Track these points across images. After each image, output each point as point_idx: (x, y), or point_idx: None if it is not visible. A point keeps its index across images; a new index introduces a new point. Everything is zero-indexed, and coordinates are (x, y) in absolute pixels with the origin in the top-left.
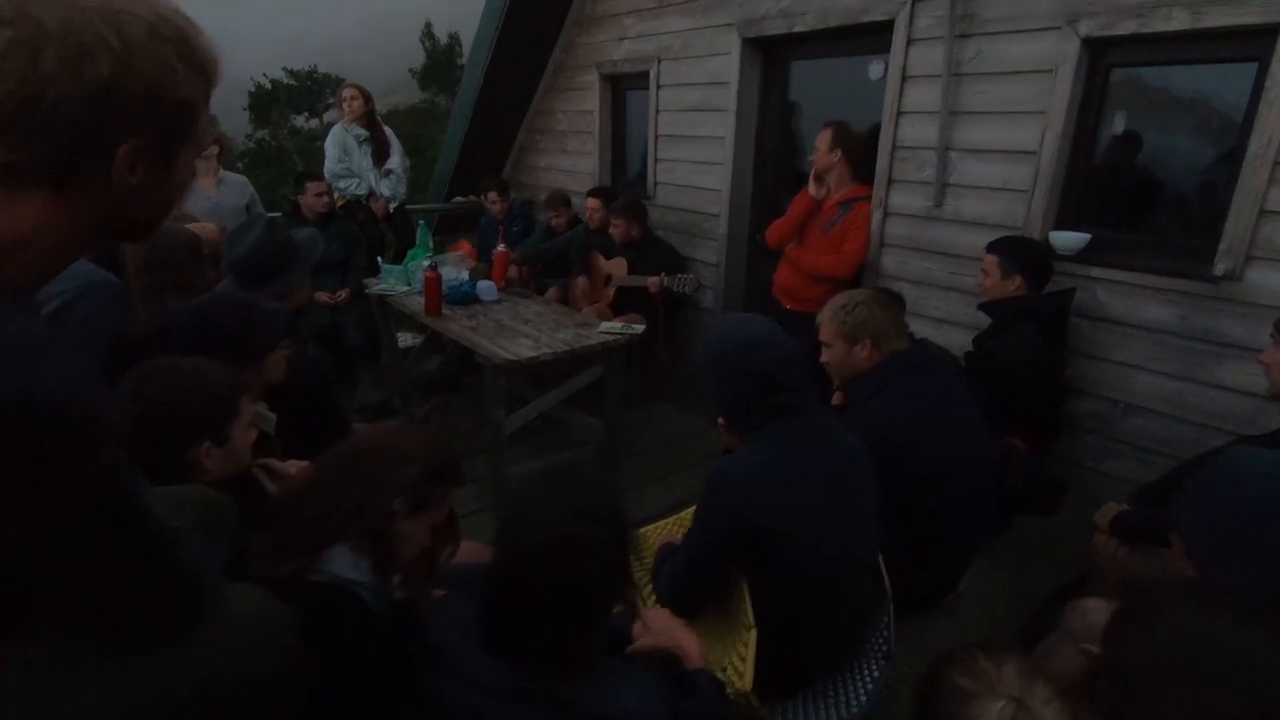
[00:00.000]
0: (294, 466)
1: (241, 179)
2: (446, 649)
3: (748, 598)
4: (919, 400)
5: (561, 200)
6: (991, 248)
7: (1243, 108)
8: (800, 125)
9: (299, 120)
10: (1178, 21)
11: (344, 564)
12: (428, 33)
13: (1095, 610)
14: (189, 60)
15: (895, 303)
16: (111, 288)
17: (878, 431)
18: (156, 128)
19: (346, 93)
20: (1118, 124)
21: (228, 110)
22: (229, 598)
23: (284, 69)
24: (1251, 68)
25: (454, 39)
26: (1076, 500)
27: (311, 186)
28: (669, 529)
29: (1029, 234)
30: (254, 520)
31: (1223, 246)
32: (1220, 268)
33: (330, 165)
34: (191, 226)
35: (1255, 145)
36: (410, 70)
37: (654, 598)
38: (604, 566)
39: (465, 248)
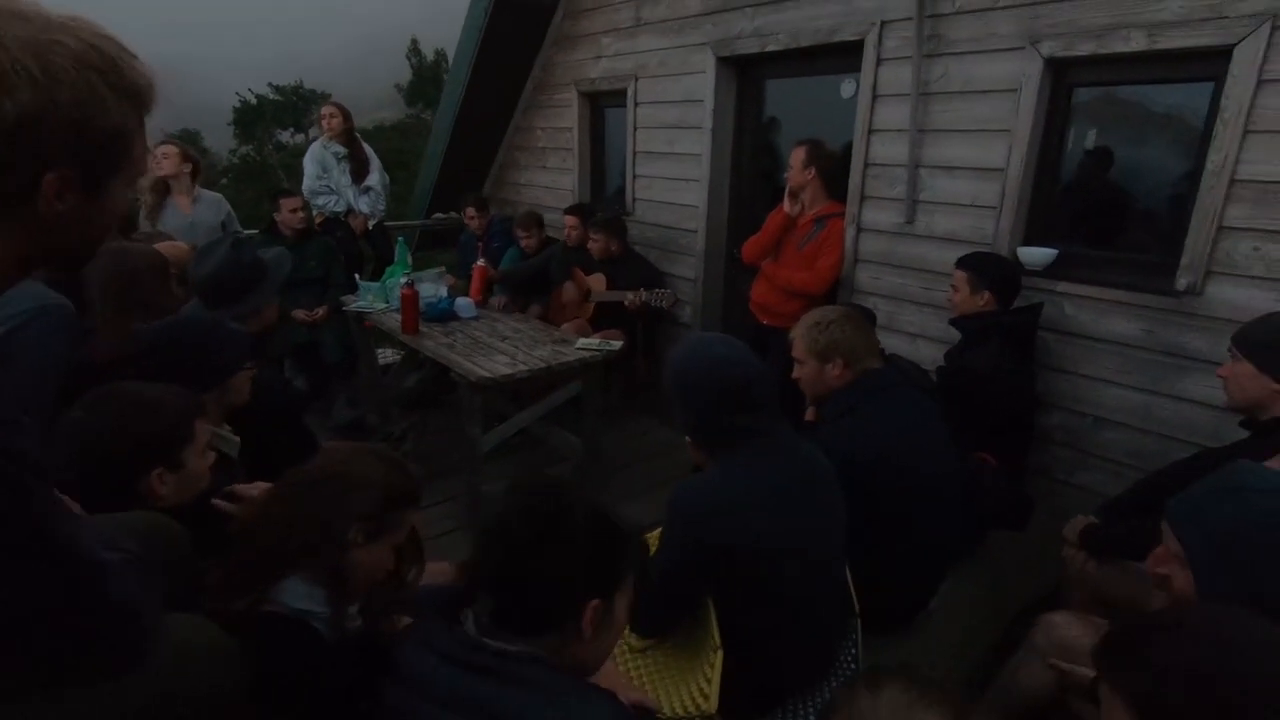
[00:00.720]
0: (257, 489)
1: (217, 196)
2: (417, 669)
3: (714, 618)
4: (890, 419)
5: (534, 221)
6: (961, 263)
7: (1200, 127)
8: (775, 142)
9: (284, 136)
10: (1135, 43)
11: (297, 595)
12: (414, 49)
13: (1061, 625)
14: (119, 87)
15: (867, 319)
16: (63, 312)
17: (849, 449)
18: (84, 157)
19: (326, 110)
20: (1085, 141)
21: (212, 127)
22: (169, 631)
23: (269, 84)
24: (1208, 87)
25: (440, 55)
26: (1048, 513)
27: (286, 203)
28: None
29: (998, 249)
30: (212, 547)
31: (1184, 262)
32: (1182, 283)
33: (309, 182)
34: (160, 245)
35: (1212, 163)
36: (397, 86)
37: None
38: (589, 548)
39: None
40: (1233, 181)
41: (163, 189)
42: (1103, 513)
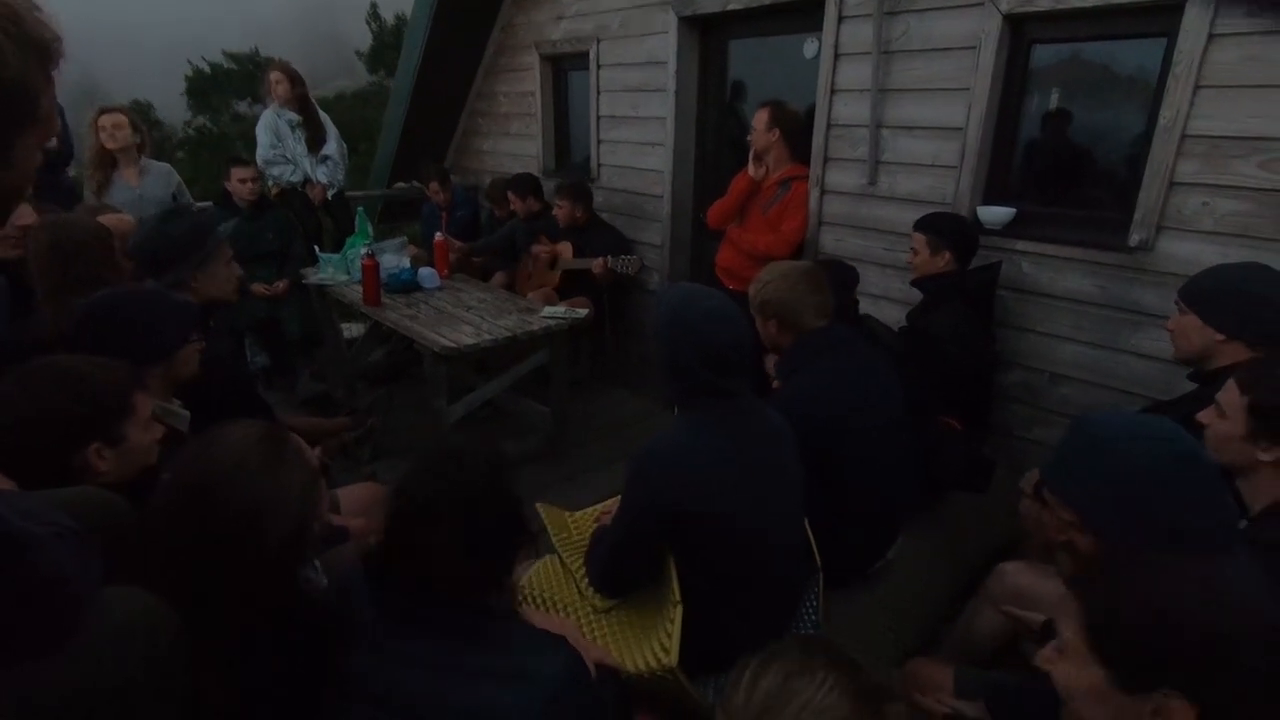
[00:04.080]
0: None
1: (166, 167)
2: (366, 625)
3: (675, 574)
4: (836, 377)
5: (501, 193)
6: (919, 225)
7: (1154, 84)
8: (740, 105)
9: (241, 106)
10: None
11: None
12: (373, 14)
13: (1014, 574)
14: (21, 39)
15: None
16: None
17: (802, 407)
18: None
19: (272, 75)
20: (1043, 100)
21: (166, 96)
22: (105, 605)
23: (223, 52)
24: (1161, 43)
25: (400, 20)
26: (1006, 467)
27: (236, 172)
28: (602, 512)
29: (958, 210)
30: None
31: (1136, 218)
32: (1134, 239)
33: (262, 152)
34: (105, 218)
35: (1164, 119)
36: (357, 53)
37: (586, 580)
38: (496, 513)
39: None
40: (1183, 137)
41: (109, 163)
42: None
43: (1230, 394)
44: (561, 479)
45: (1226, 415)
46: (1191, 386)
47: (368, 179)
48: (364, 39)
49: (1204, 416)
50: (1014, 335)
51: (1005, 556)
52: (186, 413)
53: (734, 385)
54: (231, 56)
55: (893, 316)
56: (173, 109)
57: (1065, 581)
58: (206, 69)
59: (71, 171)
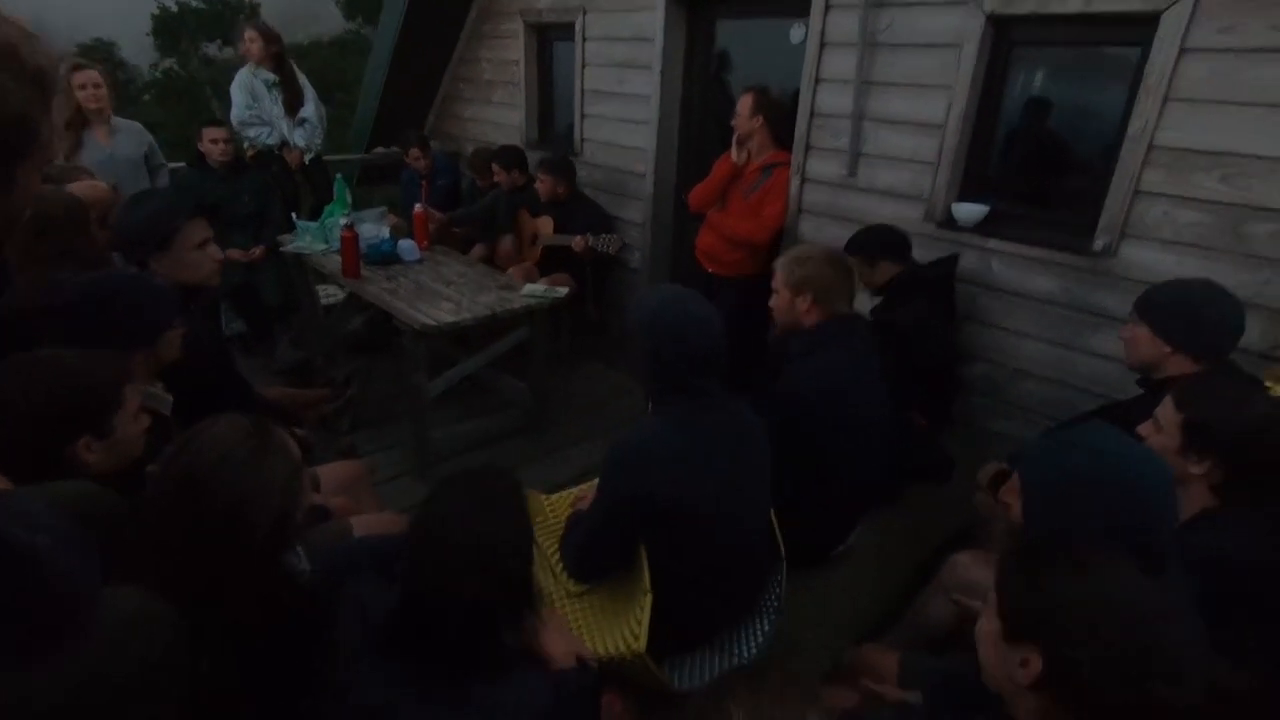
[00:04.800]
0: None
1: (138, 126)
2: (353, 644)
3: (646, 563)
4: (846, 364)
5: (484, 164)
6: (848, 248)
7: (1127, 93)
8: (726, 85)
9: (211, 49)
10: (1072, 4)
11: None
12: None
13: (966, 566)
14: (20, 74)
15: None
16: None
17: (807, 388)
18: None
19: (246, 34)
20: (1021, 100)
21: (131, 37)
22: (104, 606)
23: None
24: (1136, 53)
25: None
26: (967, 457)
27: (208, 133)
28: (577, 494)
29: (934, 204)
30: None
31: (1102, 223)
32: (1099, 243)
33: (237, 112)
34: (75, 186)
35: (1133, 128)
36: None
37: (561, 565)
38: (511, 577)
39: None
40: (1150, 147)
41: (79, 123)
42: (1012, 460)
43: (1167, 410)
44: (540, 454)
45: (1163, 429)
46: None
47: (345, 133)
48: None
49: (1143, 429)
50: (980, 330)
51: (961, 543)
52: (169, 396)
53: (708, 383)
54: None
55: (866, 308)
56: (137, 49)
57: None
58: (174, 8)
59: None
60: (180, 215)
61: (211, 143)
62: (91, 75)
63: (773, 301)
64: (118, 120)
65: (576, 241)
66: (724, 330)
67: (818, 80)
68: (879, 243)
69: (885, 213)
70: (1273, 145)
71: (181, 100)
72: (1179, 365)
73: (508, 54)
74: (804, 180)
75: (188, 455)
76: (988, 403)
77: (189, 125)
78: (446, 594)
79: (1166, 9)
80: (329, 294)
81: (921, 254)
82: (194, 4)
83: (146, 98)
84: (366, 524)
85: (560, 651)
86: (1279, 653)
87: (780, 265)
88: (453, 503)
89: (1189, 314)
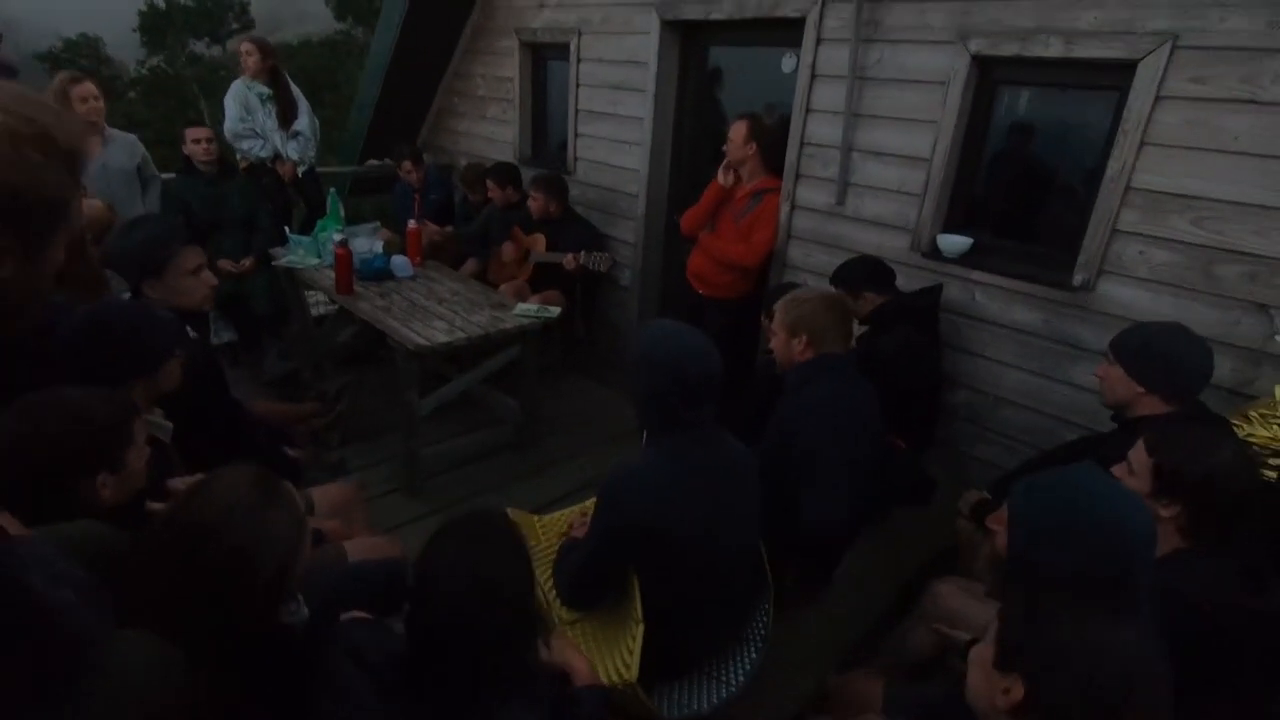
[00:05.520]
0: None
1: (130, 138)
2: (347, 678)
3: (638, 593)
4: (839, 398)
5: (476, 178)
6: (833, 280)
7: (1105, 135)
8: (718, 109)
9: (198, 46)
10: (1054, 49)
11: None
12: None
13: (946, 596)
14: (55, 156)
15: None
16: None
17: (801, 421)
18: (24, 229)
19: (243, 48)
20: (1008, 138)
21: (117, 33)
22: (113, 652)
23: None
24: (1114, 97)
25: None
26: (950, 481)
27: (190, 133)
28: (568, 519)
29: (919, 235)
30: None
31: (1081, 259)
32: (1078, 279)
33: (231, 125)
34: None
35: (1111, 170)
36: None
37: (554, 591)
38: (516, 610)
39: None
40: (1128, 188)
41: None
42: (994, 488)
43: (1139, 453)
44: (530, 471)
45: (1135, 472)
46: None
47: (333, 135)
48: None
49: (1117, 471)
50: (964, 358)
51: (941, 567)
52: (169, 424)
53: (702, 416)
54: None
55: (856, 332)
56: (123, 46)
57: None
58: (162, 4)
59: None
60: (174, 243)
61: (194, 143)
62: (90, 88)
63: (771, 340)
64: (111, 131)
65: (568, 259)
66: (720, 364)
67: (808, 110)
68: (862, 275)
69: (872, 241)
70: (1241, 191)
71: (168, 97)
72: (1151, 405)
73: (502, 71)
74: (794, 207)
75: (197, 501)
76: (970, 428)
77: (175, 123)
78: (455, 627)
79: (1143, 58)
80: (318, 301)
81: (907, 283)
82: (182, 1)
83: (132, 95)
84: (359, 548)
85: (582, 667)
86: (1241, 694)
87: (779, 307)
88: (455, 541)
89: (1161, 357)
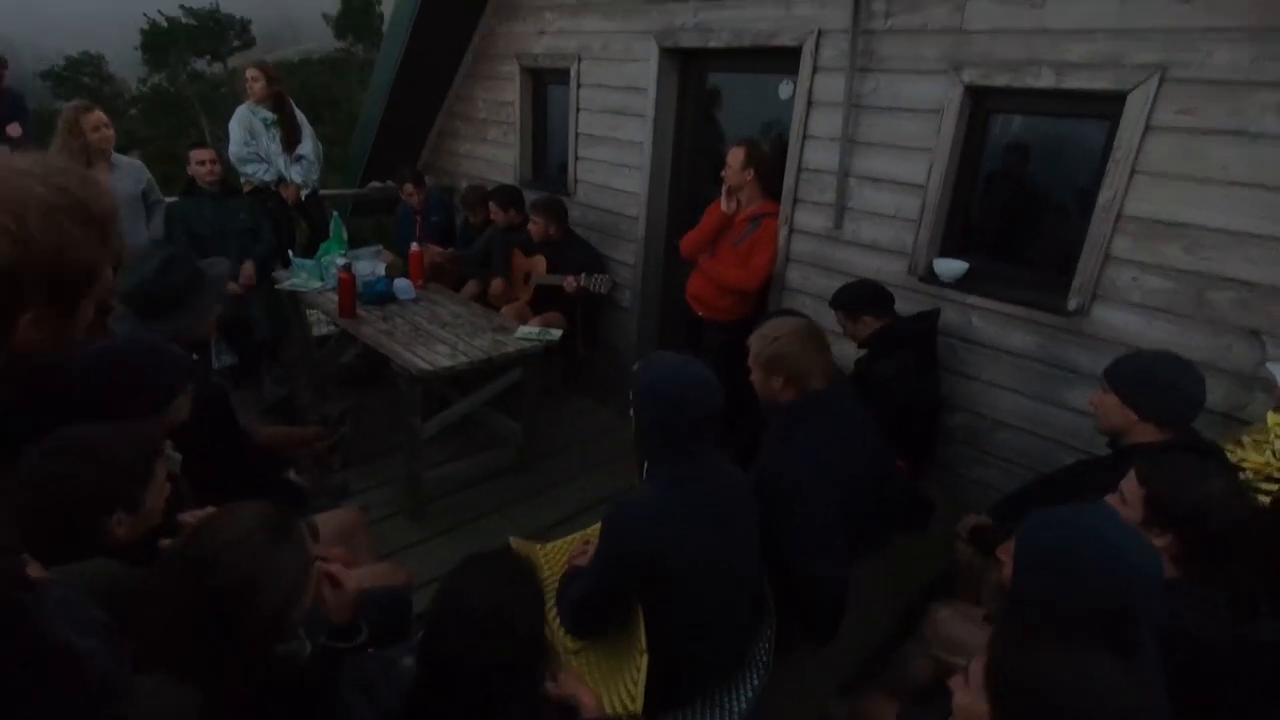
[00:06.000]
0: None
1: (137, 164)
2: (355, 711)
3: (642, 624)
4: (827, 440)
5: (478, 199)
6: (832, 304)
7: (1097, 163)
8: (717, 133)
9: (200, 64)
10: (1045, 80)
11: None
12: None
13: (946, 620)
14: (87, 223)
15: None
16: None
17: (786, 470)
18: (58, 293)
19: (249, 73)
20: (1003, 165)
21: (119, 51)
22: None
23: (181, 6)
24: (1105, 127)
25: None
26: (949, 503)
27: (195, 155)
28: (570, 547)
29: (916, 260)
30: None
31: (1075, 285)
32: (1072, 304)
33: (235, 149)
34: None
35: (1103, 198)
36: (324, 16)
37: (558, 620)
38: (529, 644)
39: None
40: (1119, 216)
41: (84, 163)
42: (993, 511)
43: (1131, 483)
44: (530, 493)
45: (1127, 502)
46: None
47: (332, 151)
48: (331, 2)
49: (1111, 499)
50: (961, 381)
51: (941, 590)
52: (178, 455)
53: (704, 447)
54: (190, 11)
55: (853, 353)
56: (125, 63)
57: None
58: (164, 23)
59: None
60: (210, 275)
61: (199, 164)
62: (100, 117)
63: (751, 376)
64: (118, 157)
65: (569, 282)
66: (722, 396)
67: (805, 137)
68: (861, 298)
69: (870, 265)
70: (1230, 220)
71: (169, 115)
72: (1145, 432)
73: (503, 95)
74: (792, 231)
75: (205, 533)
76: (968, 450)
77: (176, 139)
78: (470, 659)
79: (1132, 89)
80: (319, 320)
81: (905, 307)
82: (184, 20)
83: (133, 112)
84: (364, 576)
85: (589, 701)
86: None
87: (751, 342)
88: (475, 577)
89: (1155, 385)
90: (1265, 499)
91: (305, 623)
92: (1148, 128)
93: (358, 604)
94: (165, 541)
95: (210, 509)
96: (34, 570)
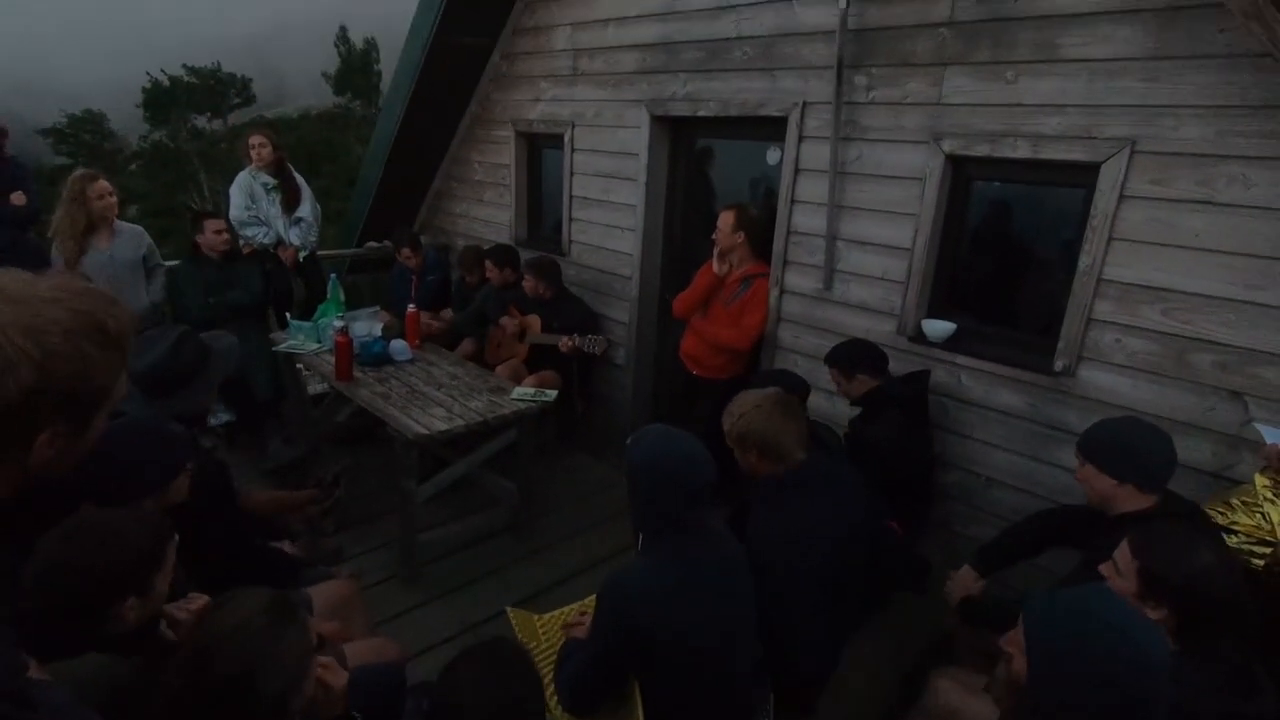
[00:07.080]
0: (193, 607)
1: (138, 230)
2: None
3: (639, 698)
4: (809, 515)
5: (475, 259)
6: (827, 360)
7: (1077, 226)
8: (709, 192)
9: (200, 121)
10: (1022, 151)
11: None
12: (342, 37)
13: (946, 691)
14: (105, 344)
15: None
16: None
17: (768, 548)
18: (75, 417)
19: (255, 140)
20: (986, 229)
21: (120, 108)
22: None
23: (184, 65)
24: (1081, 194)
25: (370, 44)
26: (946, 559)
27: (210, 224)
28: (567, 617)
29: (904, 320)
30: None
31: (1060, 346)
32: (1059, 364)
33: (235, 213)
34: None
35: (1083, 263)
36: (324, 74)
37: (554, 697)
38: None
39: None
40: (1099, 281)
41: (88, 230)
42: (977, 562)
43: (1124, 555)
44: (527, 554)
45: (1121, 574)
46: None
47: (329, 203)
48: (331, 58)
49: (1104, 569)
50: (954, 440)
51: (939, 651)
52: (175, 536)
53: (698, 517)
54: (192, 70)
55: (846, 412)
56: (126, 120)
57: (995, 700)
58: (165, 81)
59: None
60: (216, 350)
61: (215, 234)
62: (105, 185)
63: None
64: (119, 224)
65: (564, 342)
66: (714, 468)
67: (793, 201)
68: (856, 358)
69: (860, 325)
70: (1206, 285)
71: (168, 170)
72: (1130, 496)
73: (499, 158)
74: (783, 292)
75: (207, 624)
76: (963, 508)
77: (174, 194)
78: None
79: (1105, 160)
80: (311, 377)
81: (896, 366)
82: (186, 78)
83: (133, 168)
84: (359, 651)
85: None
86: None
87: (724, 417)
88: (476, 665)
89: (1127, 448)
90: (1259, 562)
91: (304, 713)
92: (1122, 196)
93: (348, 695)
94: (166, 631)
95: (197, 595)
96: (33, 671)
